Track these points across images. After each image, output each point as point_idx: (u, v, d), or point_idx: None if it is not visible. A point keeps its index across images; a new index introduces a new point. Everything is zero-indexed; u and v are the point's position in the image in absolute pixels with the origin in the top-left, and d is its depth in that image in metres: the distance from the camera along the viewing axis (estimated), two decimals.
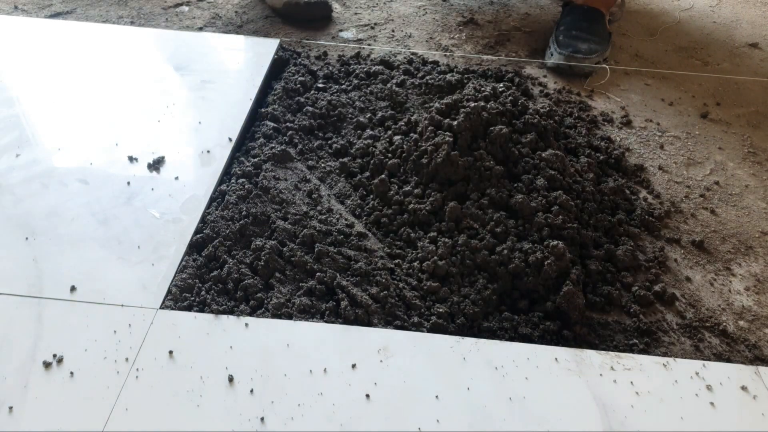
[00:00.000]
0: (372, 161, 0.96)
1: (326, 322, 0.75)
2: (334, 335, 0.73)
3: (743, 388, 0.70)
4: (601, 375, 0.70)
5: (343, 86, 1.15)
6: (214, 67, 1.19)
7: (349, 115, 1.08)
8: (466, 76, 1.15)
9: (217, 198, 0.90)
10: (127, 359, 0.69)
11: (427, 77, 1.15)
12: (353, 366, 0.70)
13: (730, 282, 0.84)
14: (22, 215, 0.87)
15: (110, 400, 0.65)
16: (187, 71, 1.18)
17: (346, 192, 0.93)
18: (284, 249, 0.82)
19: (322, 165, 0.98)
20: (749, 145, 1.09)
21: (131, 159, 0.97)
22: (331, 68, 1.20)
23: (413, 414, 0.65)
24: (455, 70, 1.21)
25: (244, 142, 1.01)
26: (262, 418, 0.64)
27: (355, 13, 1.45)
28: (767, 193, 0.95)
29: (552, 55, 1.25)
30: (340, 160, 0.98)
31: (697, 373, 0.71)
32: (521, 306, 0.78)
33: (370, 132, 1.03)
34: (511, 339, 0.74)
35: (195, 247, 0.83)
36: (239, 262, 0.80)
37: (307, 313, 0.75)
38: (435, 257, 0.80)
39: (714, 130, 1.11)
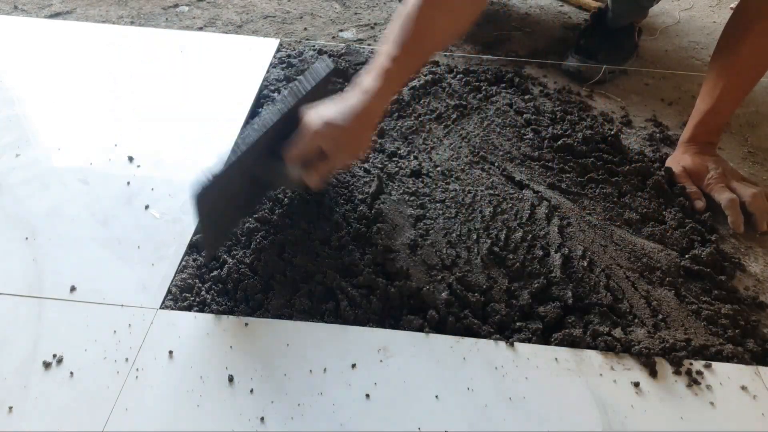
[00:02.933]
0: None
1: (326, 322, 0.75)
2: (334, 335, 0.73)
3: (743, 388, 0.70)
4: (601, 375, 0.70)
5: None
6: (213, 67, 1.19)
7: None
8: None
9: None
10: (127, 359, 0.69)
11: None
12: (353, 366, 0.70)
13: (731, 282, 0.84)
14: (22, 215, 0.87)
15: (110, 400, 0.65)
16: (186, 71, 1.18)
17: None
18: (284, 249, 0.82)
19: None
20: (749, 145, 1.09)
21: (131, 159, 0.97)
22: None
23: (413, 414, 0.65)
24: (455, 69, 1.21)
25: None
26: (262, 418, 0.64)
27: (355, 13, 1.45)
28: (766, 193, 0.94)
29: (567, 58, 1.25)
30: None
31: (697, 373, 0.71)
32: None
33: None
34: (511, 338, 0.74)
35: (195, 247, 0.83)
36: (239, 262, 0.80)
37: (306, 314, 0.75)
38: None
39: None
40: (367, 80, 0.77)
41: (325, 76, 0.85)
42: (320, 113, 0.76)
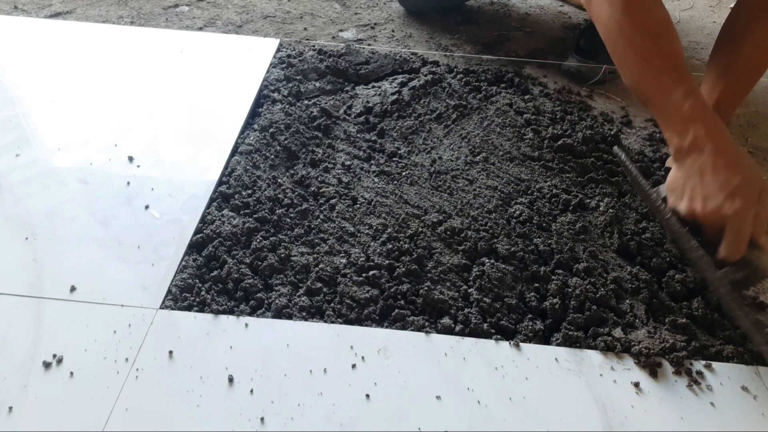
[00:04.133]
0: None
1: (326, 322, 0.75)
2: (334, 335, 0.73)
3: (743, 388, 0.70)
4: (601, 375, 0.70)
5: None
6: (213, 67, 1.19)
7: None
8: None
9: (217, 198, 0.90)
10: (127, 359, 0.69)
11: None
12: (353, 366, 0.70)
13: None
14: (22, 215, 0.87)
15: (110, 400, 0.65)
16: (186, 71, 1.18)
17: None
18: (284, 249, 0.82)
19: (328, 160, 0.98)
20: (749, 145, 1.09)
21: (131, 159, 0.97)
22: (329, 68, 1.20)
23: (413, 414, 0.65)
24: (455, 69, 1.21)
25: (243, 141, 1.01)
26: (262, 418, 0.64)
27: (355, 13, 1.45)
28: None
29: (567, 58, 1.25)
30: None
31: (697, 373, 0.71)
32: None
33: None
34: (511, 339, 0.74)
35: (195, 247, 0.83)
36: (239, 262, 0.80)
37: (307, 313, 0.75)
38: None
39: None
40: (697, 131, 0.69)
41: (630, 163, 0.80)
42: (717, 190, 0.67)
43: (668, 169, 0.98)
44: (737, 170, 0.66)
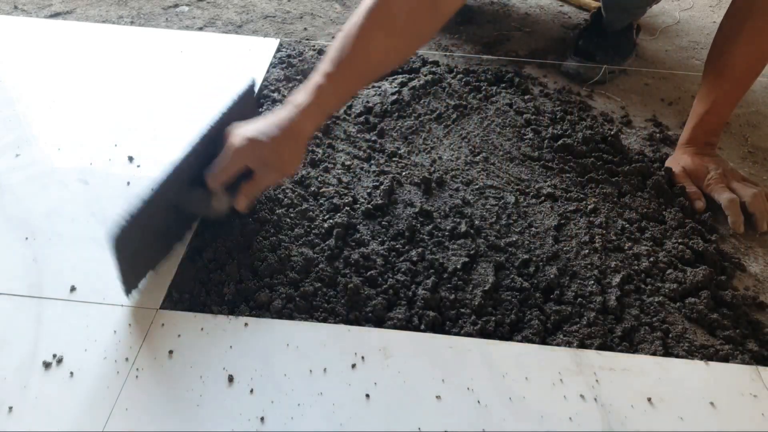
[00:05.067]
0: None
1: (326, 322, 0.75)
2: (334, 335, 0.73)
3: (743, 388, 0.70)
4: (601, 375, 0.70)
5: None
6: (213, 67, 1.19)
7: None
8: None
9: None
10: (127, 359, 0.69)
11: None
12: (353, 366, 0.70)
13: (731, 282, 0.84)
14: (22, 215, 0.87)
15: (110, 400, 0.65)
16: (186, 71, 1.18)
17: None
18: (284, 249, 0.82)
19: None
20: (749, 145, 1.09)
21: (131, 159, 0.97)
22: None
23: (413, 414, 0.65)
24: (455, 69, 1.21)
25: None
26: (262, 418, 0.64)
27: None
28: (766, 193, 0.94)
29: (567, 58, 1.25)
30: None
31: (697, 373, 0.71)
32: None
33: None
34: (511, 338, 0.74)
35: (195, 247, 0.83)
36: (239, 262, 0.80)
37: (307, 313, 0.75)
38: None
39: None
40: (299, 96, 0.75)
41: (243, 93, 0.82)
42: (243, 130, 0.74)
43: (668, 170, 0.98)
44: (279, 130, 0.73)
